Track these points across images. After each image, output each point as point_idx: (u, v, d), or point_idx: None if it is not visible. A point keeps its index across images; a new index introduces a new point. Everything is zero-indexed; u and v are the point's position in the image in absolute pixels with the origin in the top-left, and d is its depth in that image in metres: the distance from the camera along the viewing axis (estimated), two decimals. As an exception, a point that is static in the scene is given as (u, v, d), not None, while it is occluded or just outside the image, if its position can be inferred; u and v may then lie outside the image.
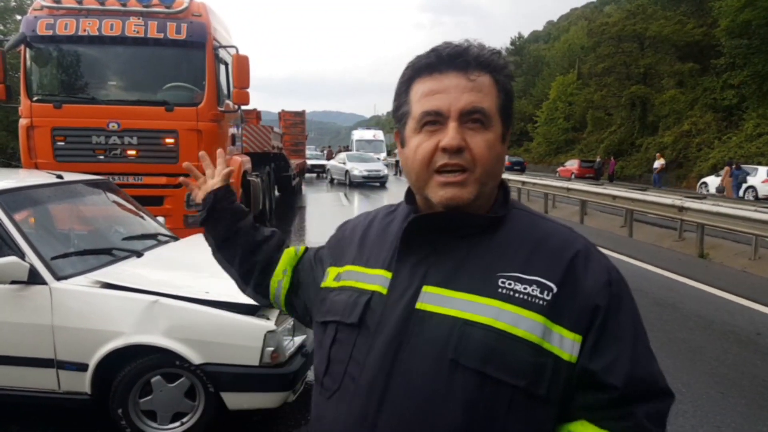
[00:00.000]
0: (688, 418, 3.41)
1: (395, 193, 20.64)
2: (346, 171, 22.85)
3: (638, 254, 8.61)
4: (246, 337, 2.90)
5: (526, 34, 74.91)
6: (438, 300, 0.90)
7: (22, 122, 6.49)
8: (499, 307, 0.87)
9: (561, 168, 34.83)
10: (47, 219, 3.65)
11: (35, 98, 6.49)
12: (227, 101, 7.35)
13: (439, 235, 0.94)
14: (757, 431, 3.30)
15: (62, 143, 6.44)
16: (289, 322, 3.21)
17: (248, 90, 7.04)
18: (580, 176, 30.44)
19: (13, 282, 2.86)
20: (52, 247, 3.22)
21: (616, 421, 0.86)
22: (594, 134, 40.08)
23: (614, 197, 11.39)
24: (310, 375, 3.79)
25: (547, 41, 64.09)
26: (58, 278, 2.95)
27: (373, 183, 22.41)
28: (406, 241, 0.96)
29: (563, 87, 44.06)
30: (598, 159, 33.79)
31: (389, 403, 0.88)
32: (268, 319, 3.01)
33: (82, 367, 2.89)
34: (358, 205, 16.35)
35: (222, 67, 7.25)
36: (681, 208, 9.33)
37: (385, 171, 23.05)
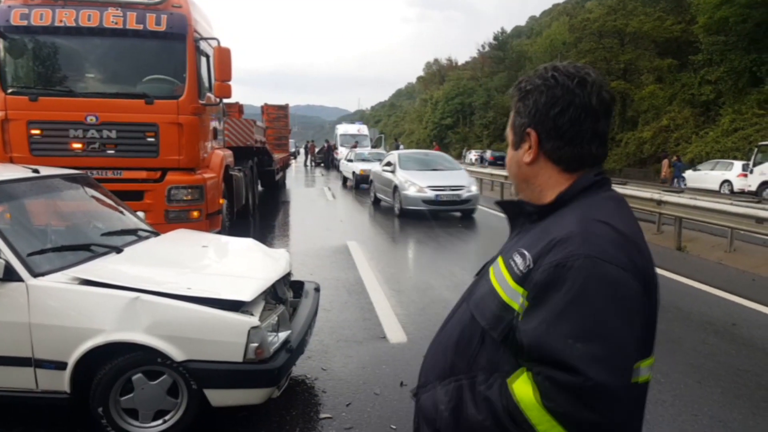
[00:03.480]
0: (667, 408, 3.46)
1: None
2: (395, 187, 11.94)
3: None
4: (229, 333, 2.86)
5: (509, 29, 75.26)
6: (494, 265, 1.17)
7: (-4, 115, 6.33)
8: (502, 272, 1.11)
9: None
10: (23, 214, 3.55)
11: (9, 91, 6.33)
12: (209, 94, 7.26)
13: (518, 219, 1.22)
14: (732, 419, 3.35)
15: (38, 137, 6.29)
16: (274, 318, 3.17)
17: (230, 83, 6.95)
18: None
19: (-13, 279, 2.77)
20: (29, 243, 3.13)
21: (532, 373, 1.00)
22: (576, 129, 40.44)
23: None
24: (295, 370, 3.78)
25: (529, 36, 64.48)
26: (35, 275, 2.87)
27: (449, 212, 11.97)
28: (508, 220, 1.26)
29: (546, 82, 44.40)
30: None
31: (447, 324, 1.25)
32: (251, 315, 2.97)
33: (60, 366, 2.82)
34: (342, 202, 16.29)
35: (203, 60, 7.14)
36: (659, 202, 9.46)
37: (474, 188, 11.91)
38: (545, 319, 0.97)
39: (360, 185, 17.98)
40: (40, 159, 5.87)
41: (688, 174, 22.98)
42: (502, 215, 1.29)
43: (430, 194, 11.19)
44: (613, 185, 1.16)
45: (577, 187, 1.10)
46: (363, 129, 34.83)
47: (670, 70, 31.46)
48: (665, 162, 24.53)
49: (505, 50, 59.36)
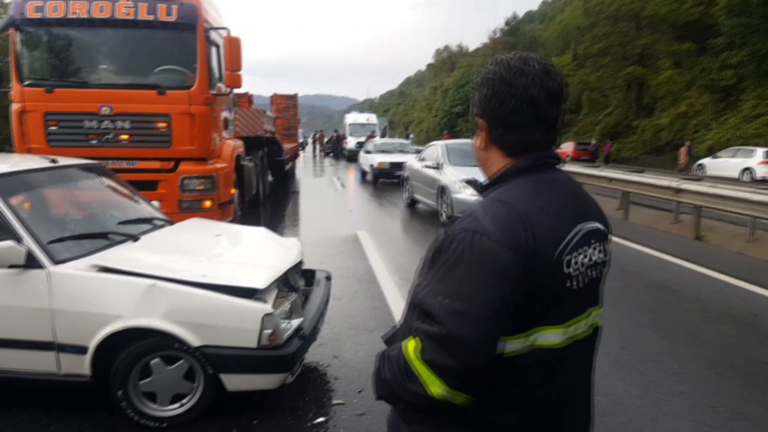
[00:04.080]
0: (684, 399, 3.46)
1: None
2: (442, 189, 9.89)
3: (634, 236, 8.66)
4: (243, 319, 2.92)
5: (521, 14, 74.31)
6: None
7: (14, 107, 6.44)
8: None
9: (556, 150, 34.79)
10: (43, 203, 3.64)
11: (26, 83, 6.43)
12: (219, 84, 7.30)
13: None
14: (752, 411, 3.33)
15: (55, 128, 6.40)
16: (286, 305, 3.23)
17: (240, 72, 6.99)
18: (575, 159, 30.43)
19: (10, 266, 2.86)
20: (49, 231, 3.22)
21: (415, 329, 1.14)
22: (589, 116, 39.99)
23: (610, 179, 11.41)
24: (308, 357, 3.85)
25: (542, 21, 63.57)
26: (56, 262, 2.96)
27: None
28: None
29: (559, 68, 43.85)
30: (593, 141, 33.77)
31: None
32: (265, 302, 3.03)
33: (81, 350, 2.91)
34: (352, 191, 16.35)
35: (213, 50, 7.19)
36: (677, 190, 9.36)
37: None
38: (429, 281, 1.14)
39: (378, 179, 16.60)
40: (56, 149, 5.97)
41: (708, 161, 22.61)
42: None
43: None
44: (557, 166, 1.26)
45: (510, 170, 1.22)
46: (372, 118, 34.79)
47: (688, 55, 30.85)
48: (683, 149, 24.13)
49: (517, 36, 58.68)
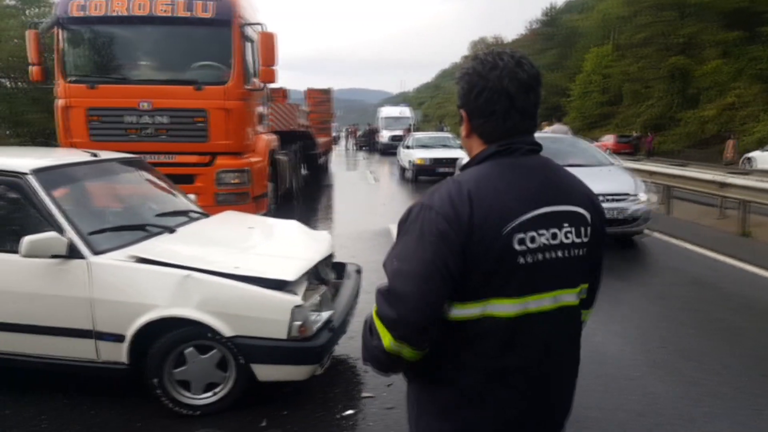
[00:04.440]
0: (727, 401, 3.33)
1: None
2: None
3: (677, 232, 8.38)
4: (274, 311, 2.96)
5: (559, 3, 72.67)
6: None
7: (59, 103, 6.69)
8: None
9: (596, 143, 34.00)
10: (84, 196, 3.77)
11: (70, 79, 6.66)
12: (254, 79, 7.39)
13: None
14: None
15: (97, 123, 6.61)
16: (316, 298, 3.26)
17: (275, 68, 7.06)
18: (616, 152, 29.51)
19: (53, 256, 2.97)
20: (90, 222, 3.33)
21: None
22: (631, 108, 38.86)
23: (651, 173, 11.06)
24: (338, 350, 3.87)
25: (581, 11, 62.01)
26: (96, 253, 3.06)
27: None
28: None
29: (599, 59, 42.68)
30: (634, 134, 32.83)
31: None
32: (295, 294, 3.07)
33: (119, 338, 3.01)
34: (385, 185, 16.36)
35: (249, 45, 7.28)
36: (722, 184, 9.01)
37: (644, 196, 7.34)
38: (392, 246, 1.31)
39: (419, 177, 15.26)
40: (98, 144, 6.17)
41: (757, 154, 21.66)
42: None
43: None
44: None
45: (480, 155, 1.34)
46: (405, 111, 34.66)
47: (736, 44, 29.56)
48: (730, 142, 23.34)
49: (555, 26, 57.35)
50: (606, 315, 4.71)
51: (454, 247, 1.21)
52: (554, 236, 1.28)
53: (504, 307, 1.24)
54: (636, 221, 7.04)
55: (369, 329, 1.32)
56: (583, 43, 49.36)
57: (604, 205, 5.84)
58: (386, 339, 1.25)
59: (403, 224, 1.30)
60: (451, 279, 1.21)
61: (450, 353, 1.28)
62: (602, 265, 1.48)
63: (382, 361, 1.31)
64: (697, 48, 33.13)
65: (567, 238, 1.29)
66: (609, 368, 3.77)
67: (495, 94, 1.28)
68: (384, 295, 1.26)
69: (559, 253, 1.28)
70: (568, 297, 1.33)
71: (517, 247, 1.23)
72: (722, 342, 4.25)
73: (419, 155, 15.36)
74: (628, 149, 30.34)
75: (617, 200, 7.00)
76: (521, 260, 1.24)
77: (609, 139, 32.66)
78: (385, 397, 3.35)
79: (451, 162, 13.79)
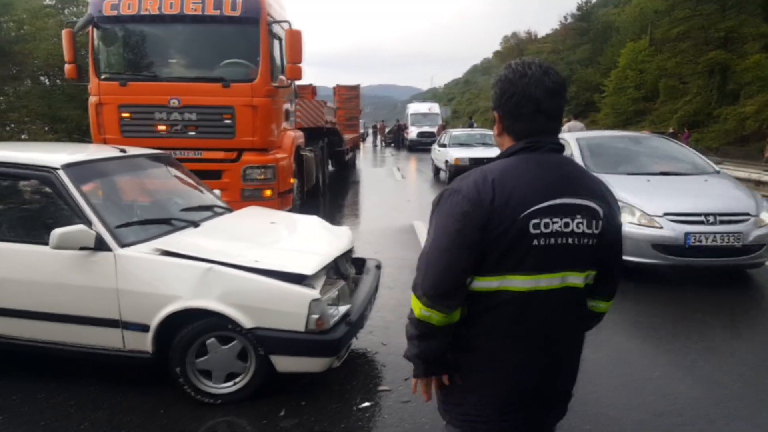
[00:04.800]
0: (747, 402, 3.24)
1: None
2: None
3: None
4: (292, 304, 3.02)
5: (594, -2, 71.15)
6: None
7: (92, 100, 6.91)
8: None
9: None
10: (112, 190, 3.90)
11: (103, 77, 6.87)
12: (281, 76, 7.48)
13: None
14: None
15: (128, 119, 6.80)
16: (334, 292, 3.31)
17: (301, 65, 7.14)
18: (649, 149, 28.93)
19: (81, 248, 3.09)
20: (117, 216, 3.44)
21: None
22: (667, 104, 37.84)
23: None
24: (357, 344, 3.92)
25: (617, 5, 60.63)
26: (122, 245, 3.16)
27: (711, 268, 5.62)
28: None
29: (634, 54, 41.67)
30: (670, 130, 31.95)
31: None
32: (313, 288, 3.12)
33: (144, 328, 3.11)
34: (412, 181, 16.36)
35: (276, 42, 7.38)
36: (758, 182, 8.78)
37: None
38: (429, 221, 1.54)
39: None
40: (129, 140, 6.36)
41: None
42: None
43: (672, 232, 5.23)
44: (548, 147, 1.51)
45: (508, 151, 1.55)
46: (434, 107, 34.46)
47: (779, 37, 28.49)
48: None
49: (589, 21, 56.23)
50: (628, 314, 4.64)
51: (476, 225, 1.41)
52: (566, 225, 1.46)
53: (519, 282, 1.45)
54: (757, 251, 5.23)
55: (410, 311, 1.54)
56: (617, 38, 48.30)
57: (714, 228, 5.08)
58: (417, 307, 1.48)
59: (435, 206, 1.52)
60: (472, 253, 1.42)
61: (472, 321, 1.50)
62: (621, 257, 1.66)
63: (416, 334, 1.51)
64: (737, 42, 32.04)
65: (578, 228, 1.47)
66: (629, 367, 3.72)
67: (523, 98, 1.48)
68: (418, 269, 1.49)
69: (570, 240, 1.46)
70: (575, 279, 1.51)
71: (532, 230, 1.43)
72: (751, 343, 4.15)
73: (456, 155, 13.72)
74: (662, 146, 29.54)
75: (733, 222, 5.25)
76: (535, 242, 1.43)
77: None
78: (401, 390, 3.38)
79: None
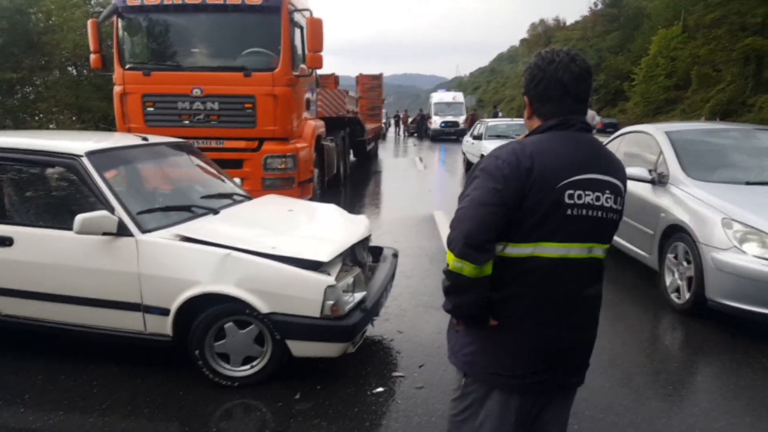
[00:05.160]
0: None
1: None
2: (673, 232, 4.53)
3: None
4: (308, 290, 3.06)
5: (624, -16, 69.28)
6: None
7: (116, 89, 7.04)
8: None
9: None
10: (134, 177, 3.99)
11: (127, 66, 6.99)
12: (302, 65, 7.51)
13: None
14: None
15: (151, 108, 6.91)
16: (349, 279, 3.33)
17: (322, 54, 7.14)
18: (678, 138, 28.23)
19: (104, 233, 3.17)
20: (139, 203, 3.52)
21: None
22: (699, 92, 36.82)
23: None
24: (373, 331, 3.95)
25: (648, -9, 59.10)
26: (143, 231, 3.24)
27: None
28: None
29: (665, 41, 40.58)
30: (702, 119, 31.15)
31: None
32: (328, 274, 3.15)
33: (164, 312, 3.19)
34: (433, 171, 16.30)
35: (297, 31, 7.39)
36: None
37: None
38: (464, 189, 1.63)
39: None
40: (153, 129, 6.47)
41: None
42: None
43: None
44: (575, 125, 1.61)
45: (539, 128, 1.65)
46: (458, 96, 34.10)
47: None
48: None
49: (620, 7, 54.93)
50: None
51: (511, 186, 1.50)
52: (597, 199, 1.56)
53: (550, 249, 1.55)
54: None
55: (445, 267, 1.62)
56: (648, 25, 47.08)
57: None
58: (450, 259, 1.56)
59: (473, 172, 1.62)
60: (507, 212, 1.51)
61: (503, 285, 1.58)
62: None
63: (450, 286, 1.60)
64: (775, 27, 30.95)
65: (607, 203, 1.58)
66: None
67: (551, 83, 1.59)
68: (453, 223, 1.58)
69: (599, 213, 1.57)
70: (599, 251, 1.63)
71: (567, 200, 1.53)
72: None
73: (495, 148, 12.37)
74: (693, 136, 28.78)
75: None
76: (569, 212, 1.53)
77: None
78: (415, 377, 3.40)
79: None
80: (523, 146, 1.56)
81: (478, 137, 13.94)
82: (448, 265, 1.58)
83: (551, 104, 1.61)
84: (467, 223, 1.52)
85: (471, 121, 28.39)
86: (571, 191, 1.53)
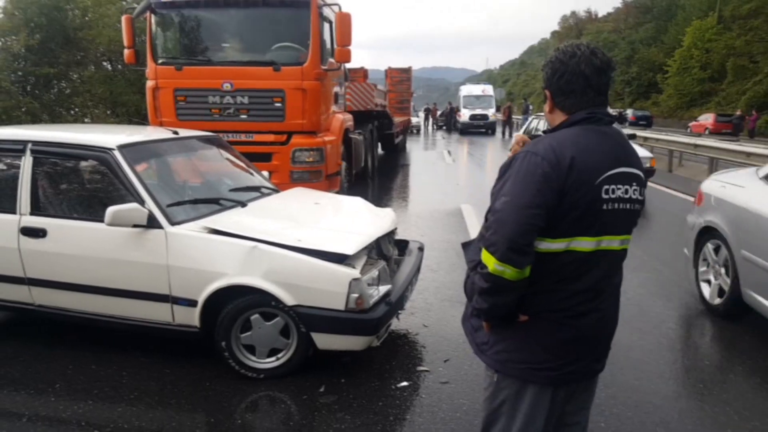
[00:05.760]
0: None
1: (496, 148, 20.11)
2: None
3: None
4: (333, 283, 3.07)
5: (659, -26, 67.34)
6: None
7: (149, 84, 7.16)
8: None
9: (693, 123, 31.52)
10: (164, 170, 4.05)
11: (159, 61, 7.10)
12: (330, 59, 7.51)
13: None
14: None
15: (183, 103, 7.01)
16: (374, 272, 3.33)
17: (350, 48, 7.14)
18: (715, 132, 27.43)
19: (134, 225, 3.23)
20: (168, 195, 3.57)
21: None
22: (735, 85, 35.69)
23: (748, 154, 10.20)
24: (398, 325, 3.95)
25: (684, -19, 57.36)
26: (173, 223, 3.28)
27: None
28: None
29: (700, 33, 39.40)
30: (738, 113, 30.13)
31: None
32: (353, 267, 3.15)
33: (192, 303, 3.24)
34: (462, 165, 16.18)
35: (326, 26, 7.40)
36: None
37: None
38: (498, 188, 1.61)
39: None
40: (184, 123, 6.57)
41: None
42: None
43: None
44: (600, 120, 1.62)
45: (567, 122, 1.65)
46: (488, 89, 33.72)
47: None
48: None
49: (653, -1, 53.54)
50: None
51: (553, 186, 1.50)
52: (626, 191, 1.59)
53: (585, 243, 1.57)
54: None
55: (477, 269, 1.61)
56: (682, 16, 45.77)
57: None
58: (491, 263, 1.53)
59: (507, 169, 1.61)
60: (547, 211, 1.51)
61: (534, 279, 1.57)
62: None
63: (487, 288, 1.57)
64: (817, 17, 29.73)
65: (634, 194, 1.61)
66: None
67: (574, 75, 1.60)
68: (491, 226, 1.56)
69: (627, 206, 1.60)
70: (626, 241, 1.67)
71: (603, 195, 1.55)
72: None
73: None
74: (728, 129, 27.94)
75: None
76: (605, 206, 1.56)
77: (708, 119, 30.22)
78: (440, 372, 3.38)
79: None
80: (560, 142, 1.54)
81: (533, 135, 12.02)
82: (485, 266, 1.55)
83: (574, 97, 1.62)
84: (510, 227, 1.50)
85: (505, 114, 28.02)
86: (606, 186, 1.55)
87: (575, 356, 1.66)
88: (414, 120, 27.06)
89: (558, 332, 1.63)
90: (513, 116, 29.21)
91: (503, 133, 27.67)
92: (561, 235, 1.55)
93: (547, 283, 1.60)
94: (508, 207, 1.52)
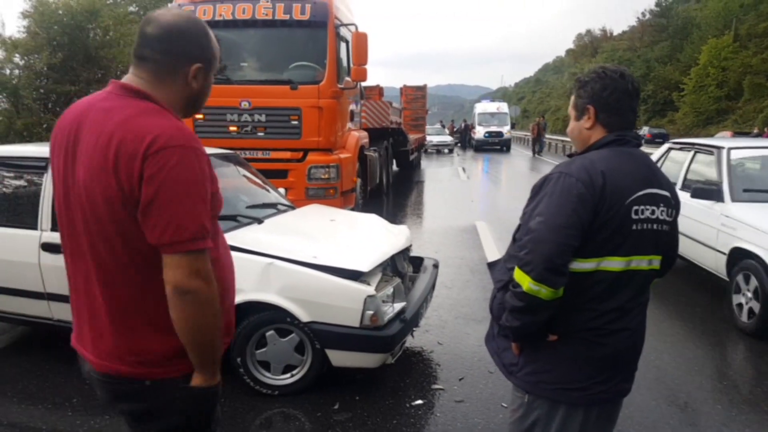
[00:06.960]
0: None
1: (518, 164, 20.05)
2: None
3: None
4: (348, 299, 3.08)
5: (674, -8, 67.38)
6: None
7: (170, 102, 7.29)
8: None
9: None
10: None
11: (179, 80, 7.23)
12: (347, 78, 7.62)
13: None
14: None
15: (202, 121, 7.14)
16: (389, 289, 3.34)
17: (366, 66, 7.24)
18: (732, 150, 27.06)
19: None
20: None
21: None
22: (752, 103, 35.32)
23: None
24: (412, 343, 3.94)
25: (698, 0, 57.33)
26: (190, 240, 3.32)
27: None
28: None
29: (716, 51, 39.20)
30: (755, 131, 29.79)
31: None
32: (368, 284, 3.17)
33: (209, 318, 3.26)
34: (476, 182, 16.17)
35: (343, 45, 7.52)
36: None
37: None
38: (531, 208, 1.63)
39: None
40: (203, 140, 6.62)
41: None
42: None
43: None
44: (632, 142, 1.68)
45: (599, 143, 1.68)
46: (503, 107, 33.80)
47: None
48: None
49: (668, 17, 53.44)
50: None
51: (588, 207, 1.53)
52: (653, 212, 1.62)
53: (614, 263, 1.59)
54: None
55: (510, 287, 1.61)
56: (698, 34, 45.61)
57: None
58: (525, 283, 1.54)
59: (540, 188, 1.64)
60: (582, 232, 1.53)
61: (566, 297, 1.58)
62: (678, 243, 1.83)
63: (520, 306, 1.58)
64: (836, 35, 29.47)
65: (661, 215, 1.64)
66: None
67: (623, 95, 1.65)
68: (526, 245, 1.57)
69: (655, 226, 1.62)
70: (655, 262, 1.69)
71: (633, 216, 1.58)
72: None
73: None
74: (747, 148, 27.55)
75: None
76: (634, 227, 1.59)
77: (725, 136, 29.92)
78: (455, 390, 3.37)
79: None
80: (592, 163, 1.58)
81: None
82: (519, 284, 1.56)
83: (618, 116, 1.67)
84: (547, 247, 1.52)
85: (535, 131, 27.65)
86: (636, 207, 1.58)
87: (606, 375, 1.66)
88: (447, 138, 26.75)
89: (589, 351, 1.63)
90: (544, 132, 28.12)
91: (533, 151, 27.21)
92: (591, 254, 1.57)
93: (577, 303, 1.61)
94: (544, 227, 1.54)
